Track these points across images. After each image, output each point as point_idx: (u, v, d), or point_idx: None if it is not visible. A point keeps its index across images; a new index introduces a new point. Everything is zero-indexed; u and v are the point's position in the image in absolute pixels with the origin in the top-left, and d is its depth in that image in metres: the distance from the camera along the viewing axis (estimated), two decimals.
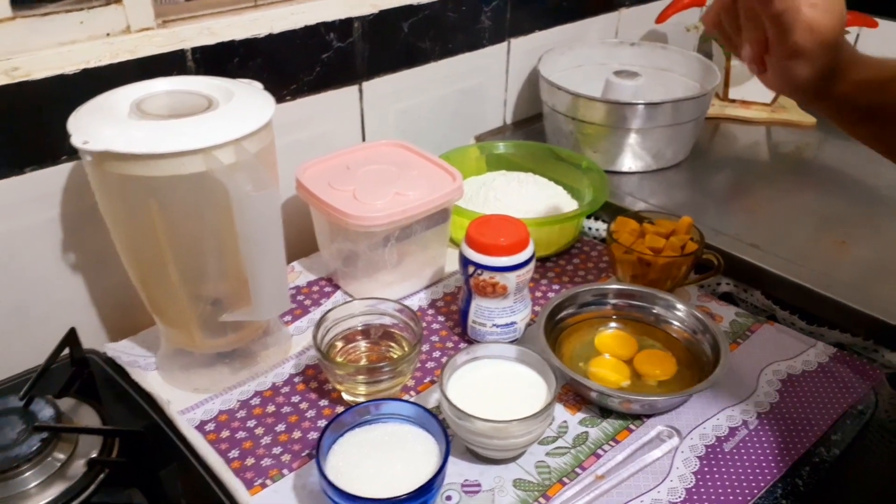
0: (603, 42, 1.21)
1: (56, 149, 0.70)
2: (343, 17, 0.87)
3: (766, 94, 1.27)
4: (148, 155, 0.55)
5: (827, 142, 1.19)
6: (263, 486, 0.61)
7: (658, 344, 0.75)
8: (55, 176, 0.71)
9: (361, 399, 0.68)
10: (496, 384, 0.64)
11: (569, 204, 0.96)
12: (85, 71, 0.69)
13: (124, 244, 0.64)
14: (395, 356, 0.71)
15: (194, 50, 0.76)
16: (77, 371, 0.70)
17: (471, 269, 0.71)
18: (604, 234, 0.98)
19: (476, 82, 1.10)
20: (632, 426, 0.67)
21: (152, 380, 0.71)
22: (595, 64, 1.20)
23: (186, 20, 0.78)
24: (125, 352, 0.75)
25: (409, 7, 0.94)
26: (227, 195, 0.58)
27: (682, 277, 0.82)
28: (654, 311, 0.76)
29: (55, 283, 0.75)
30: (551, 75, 1.08)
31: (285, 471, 0.62)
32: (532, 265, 0.72)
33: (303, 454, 0.64)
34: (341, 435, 0.59)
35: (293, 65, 0.85)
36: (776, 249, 0.88)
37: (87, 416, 0.65)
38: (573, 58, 1.18)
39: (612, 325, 0.77)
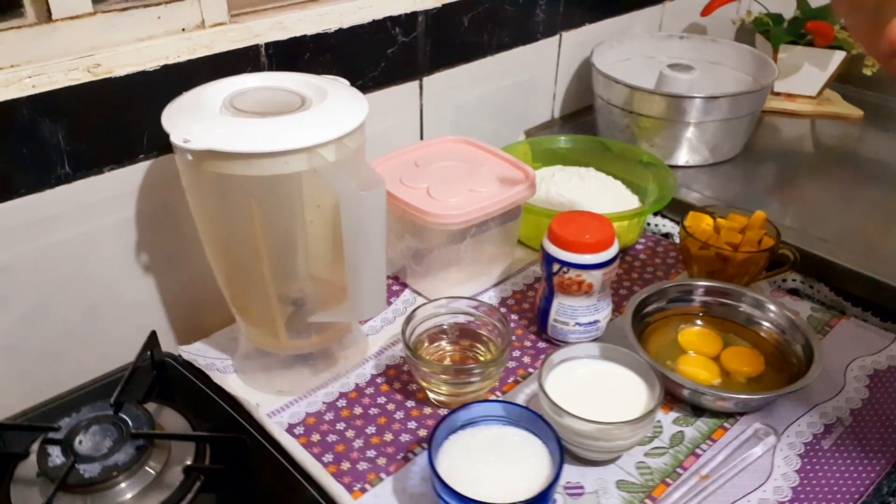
0: (652, 35, 1.20)
1: (135, 147, 0.69)
2: (409, 10, 0.86)
3: (812, 87, 1.26)
4: (252, 154, 0.54)
5: (875, 134, 1.18)
6: (363, 490, 0.60)
7: (742, 341, 0.74)
8: (132, 175, 0.70)
9: (444, 398, 0.67)
10: (595, 384, 0.63)
11: (629, 199, 0.94)
12: (165, 67, 0.67)
13: (215, 243, 0.62)
14: (482, 356, 0.70)
15: (267, 45, 0.74)
16: (158, 375, 0.69)
17: (555, 266, 0.70)
18: (663, 229, 0.97)
19: (528, 76, 1.09)
20: (726, 424, 0.66)
21: (233, 383, 0.70)
22: (643, 57, 1.18)
23: (257, 13, 0.76)
24: (201, 354, 0.74)
25: (471, 0, 0.92)
26: (324, 194, 0.57)
27: (758, 273, 0.81)
28: (741, 308, 0.75)
29: (127, 285, 0.74)
30: (603, 69, 1.06)
31: (383, 475, 0.61)
32: (617, 262, 0.71)
33: (398, 457, 0.63)
34: (446, 438, 0.58)
35: (360, 60, 0.84)
36: (843, 243, 0.87)
37: (175, 422, 0.64)
38: (622, 51, 1.16)
39: (697, 322, 0.76)
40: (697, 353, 0.72)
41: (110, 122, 0.66)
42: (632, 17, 1.23)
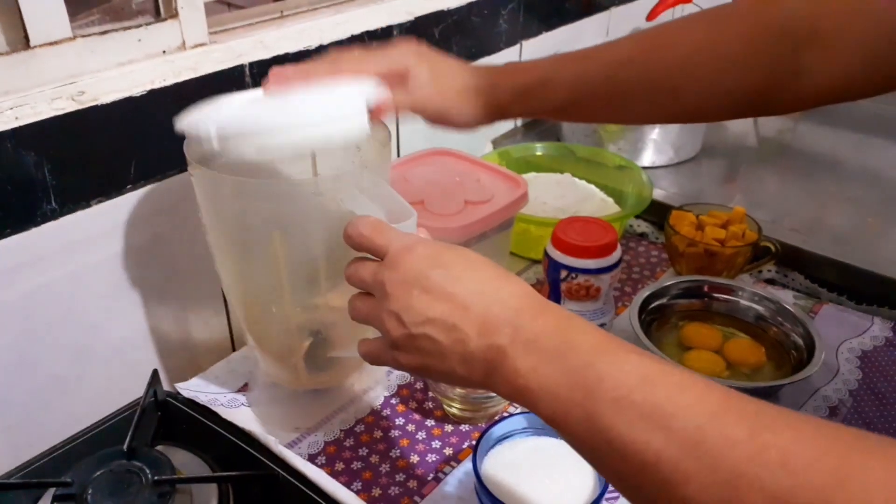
0: (604, 40, 1.23)
1: (122, 177, 0.65)
2: (384, 24, 0.85)
3: None
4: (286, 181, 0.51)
5: (812, 128, 1.25)
6: None
7: (741, 334, 0.76)
8: (120, 207, 0.66)
9: (466, 414, 0.66)
10: None
11: (607, 202, 0.96)
12: (151, 92, 0.64)
13: (236, 274, 0.59)
14: None
15: (251, 65, 0.72)
16: (163, 415, 0.65)
17: (563, 273, 0.70)
18: (639, 229, 0.99)
19: None
20: None
21: (243, 417, 0.67)
22: None
23: (235, 31, 0.74)
24: (201, 390, 0.70)
25: (441, 13, 0.92)
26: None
27: (742, 266, 0.84)
28: (739, 303, 0.77)
29: (116, 324, 0.70)
30: None
31: (416, 498, 0.60)
32: (621, 265, 0.72)
33: (429, 479, 0.62)
34: (486, 454, 0.57)
35: None
36: (812, 232, 0.91)
37: (190, 463, 0.60)
38: None
39: (695, 318, 0.77)
40: (701, 348, 0.73)
41: (97, 152, 0.62)
42: (582, 24, 1.25)
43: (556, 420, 0.39)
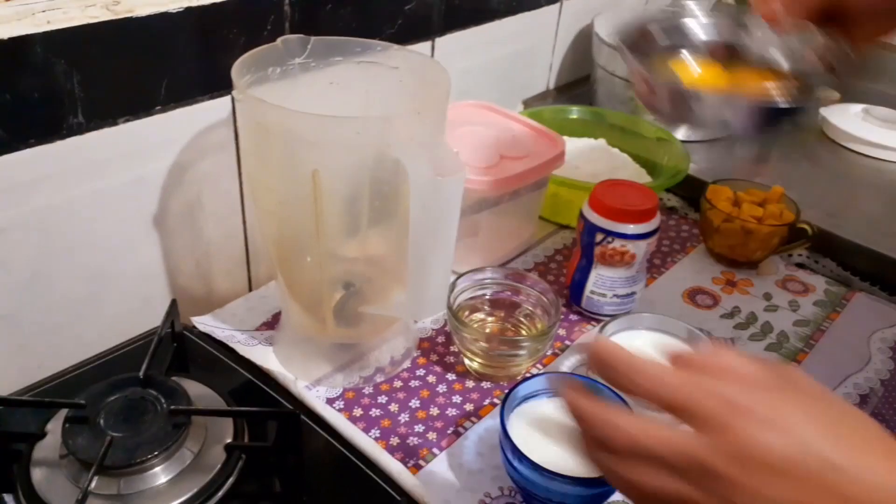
0: (645, 5, 1.19)
1: (152, 97, 0.62)
2: None
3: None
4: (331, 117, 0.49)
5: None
6: (418, 467, 0.57)
7: None
8: (147, 128, 0.63)
9: (487, 370, 0.64)
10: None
11: (640, 171, 0.94)
12: (188, 9, 0.61)
13: (271, 212, 0.57)
14: (524, 331, 0.67)
15: None
16: (178, 347, 0.63)
17: (598, 236, 0.68)
18: (668, 203, 0.97)
19: (527, 45, 1.07)
20: None
21: (260, 355, 0.65)
22: None
23: None
24: (218, 325, 0.68)
25: None
26: (397, 172, 0.52)
27: (777, 246, 0.82)
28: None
29: (134, 251, 0.68)
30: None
31: (436, 450, 0.58)
32: (658, 233, 0.70)
33: (448, 431, 0.60)
34: (511, 411, 0.55)
35: (379, 15, 0.79)
36: (846, 218, 0.89)
37: (205, 396, 0.59)
38: (617, 22, 1.15)
39: None
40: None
41: (128, 68, 0.60)
42: None
43: None
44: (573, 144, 0.95)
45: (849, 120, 1.11)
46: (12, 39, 0.52)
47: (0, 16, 0.52)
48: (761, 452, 0.31)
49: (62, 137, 0.58)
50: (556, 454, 0.52)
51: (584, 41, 1.14)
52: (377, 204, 0.50)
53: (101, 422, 0.52)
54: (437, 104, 0.54)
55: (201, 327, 0.67)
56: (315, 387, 0.63)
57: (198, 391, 0.59)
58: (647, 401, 0.35)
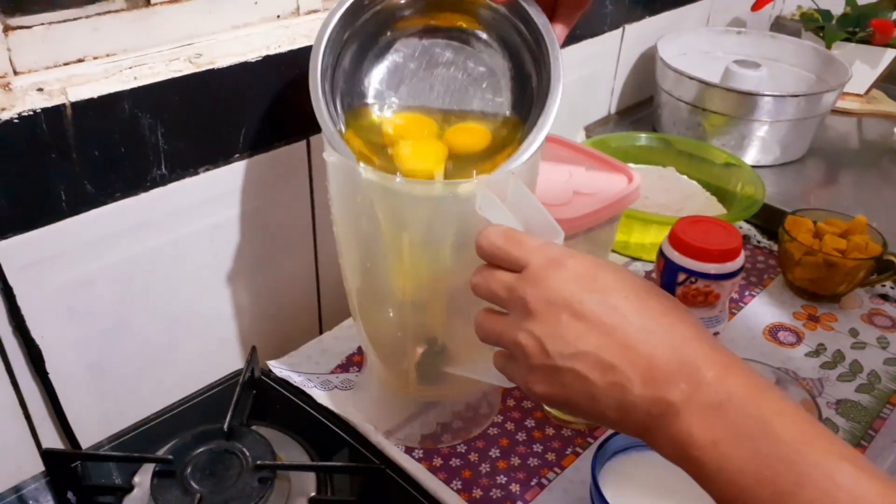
0: (708, 29, 1.17)
1: (231, 145, 0.62)
2: None
3: (861, 85, 1.25)
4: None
5: None
6: None
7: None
8: (226, 176, 0.63)
9: (559, 415, 0.63)
10: None
11: (710, 200, 0.91)
12: (266, 58, 0.61)
13: (355, 266, 0.56)
14: None
15: None
16: (258, 395, 0.63)
17: (681, 276, 0.66)
18: (739, 230, 0.94)
19: (590, 71, 1.05)
20: None
21: (338, 402, 0.64)
22: (700, 52, 1.15)
23: None
24: (294, 370, 0.68)
25: None
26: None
27: (863, 280, 0.78)
28: None
29: (211, 295, 0.68)
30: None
31: (519, 503, 0.57)
32: (742, 272, 0.67)
33: (532, 483, 0.58)
34: (603, 464, 0.53)
35: None
36: None
37: (286, 446, 0.59)
38: (679, 45, 1.13)
39: None
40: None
41: (209, 118, 0.60)
42: (686, 10, 1.19)
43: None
44: (641, 172, 0.93)
45: None
46: (101, 97, 0.53)
47: (90, 74, 0.52)
48: (571, 300, 0.38)
49: (146, 190, 0.58)
50: None
51: (645, 64, 1.12)
52: (464, 262, 0.49)
53: (189, 477, 0.52)
54: (531, 160, 0.52)
55: (278, 372, 0.67)
56: (392, 434, 0.62)
57: (279, 439, 0.59)
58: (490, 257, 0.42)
